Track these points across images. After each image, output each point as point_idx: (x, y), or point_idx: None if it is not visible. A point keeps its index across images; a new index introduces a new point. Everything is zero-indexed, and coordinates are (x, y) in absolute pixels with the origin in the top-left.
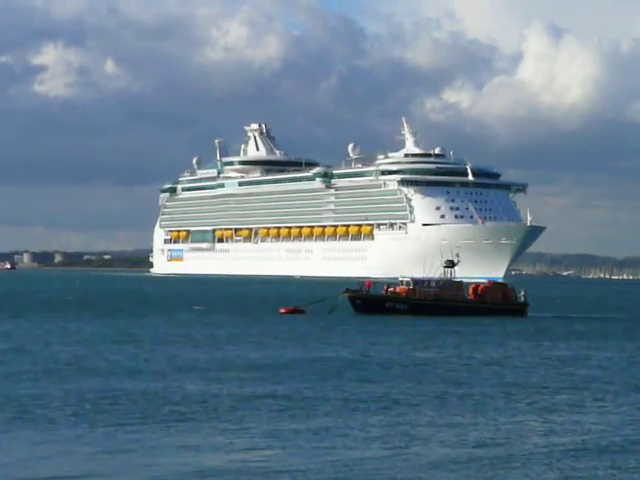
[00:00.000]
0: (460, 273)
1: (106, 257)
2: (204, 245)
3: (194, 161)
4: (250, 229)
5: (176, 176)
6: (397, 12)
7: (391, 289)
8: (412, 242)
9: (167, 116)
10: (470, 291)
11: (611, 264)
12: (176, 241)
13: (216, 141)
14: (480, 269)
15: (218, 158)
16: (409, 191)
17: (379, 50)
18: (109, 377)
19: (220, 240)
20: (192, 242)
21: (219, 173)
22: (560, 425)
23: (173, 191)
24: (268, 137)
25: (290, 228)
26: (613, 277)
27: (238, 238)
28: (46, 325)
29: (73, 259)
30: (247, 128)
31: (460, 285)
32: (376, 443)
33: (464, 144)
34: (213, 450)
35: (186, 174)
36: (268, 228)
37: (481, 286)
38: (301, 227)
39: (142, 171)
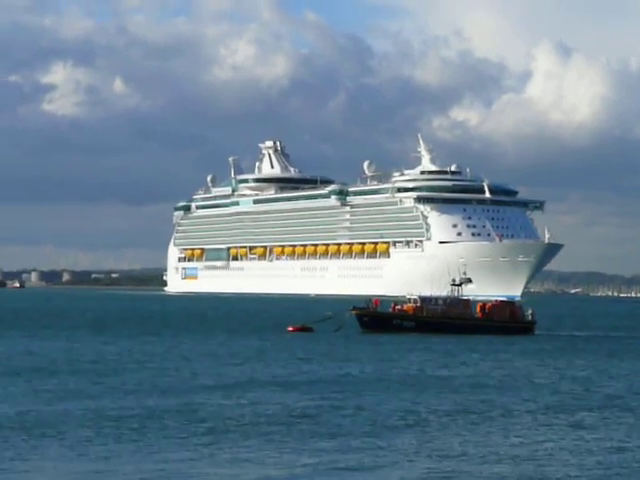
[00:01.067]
0: (477, 291)
1: (114, 276)
2: (218, 263)
3: (208, 179)
4: (265, 247)
5: (186, 195)
6: (405, 30)
7: (398, 307)
8: (428, 260)
9: (175, 135)
10: (478, 309)
11: (619, 282)
12: (190, 259)
13: (230, 159)
14: (497, 287)
15: (232, 176)
16: (425, 208)
17: (387, 68)
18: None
19: (235, 258)
20: (206, 260)
21: (234, 191)
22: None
23: (187, 209)
24: (283, 154)
25: (305, 246)
26: (621, 295)
27: (253, 256)
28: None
29: (81, 278)
30: (261, 145)
31: (468, 303)
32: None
33: (472, 162)
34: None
35: (200, 192)
36: (283, 246)
37: (489, 304)
38: (316, 245)
39: (150, 190)
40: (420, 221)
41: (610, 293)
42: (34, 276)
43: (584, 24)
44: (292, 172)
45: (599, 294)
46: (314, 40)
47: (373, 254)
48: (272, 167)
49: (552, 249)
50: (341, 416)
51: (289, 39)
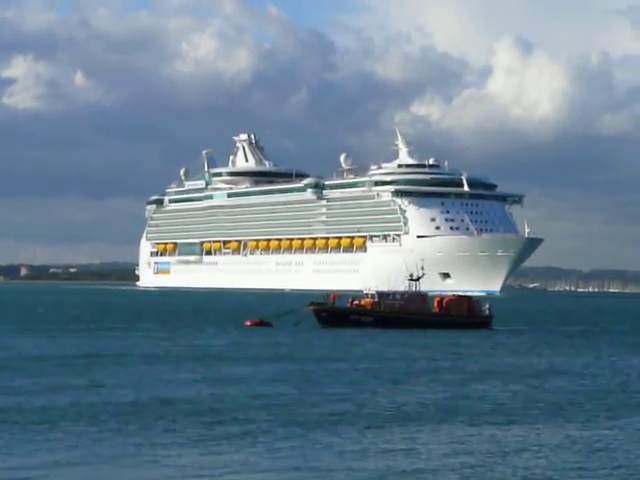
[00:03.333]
0: (455, 286)
1: (72, 270)
2: (191, 258)
3: (181, 172)
4: (239, 241)
5: (147, 188)
6: (367, 26)
7: (356, 302)
8: (406, 254)
9: (137, 128)
10: (435, 304)
11: (577, 277)
12: (163, 254)
13: (204, 152)
14: (476, 282)
15: (206, 169)
16: (403, 202)
17: (349, 64)
18: None
19: (208, 253)
20: (179, 255)
21: (207, 184)
22: None
23: (160, 203)
24: (257, 148)
25: (280, 240)
26: (579, 290)
27: (227, 250)
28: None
29: (39, 272)
30: (236, 139)
31: (425, 297)
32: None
33: (433, 157)
34: None
35: (173, 186)
36: (257, 240)
37: (446, 299)
38: (291, 239)
39: (112, 183)
40: (398, 215)
41: (568, 288)
42: None
43: (545, 19)
44: (267, 165)
45: (556, 289)
46: (277, 35)
47: (349, 248)
48: (247, 160)
49: (532, 243)
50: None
51: (252, 33)
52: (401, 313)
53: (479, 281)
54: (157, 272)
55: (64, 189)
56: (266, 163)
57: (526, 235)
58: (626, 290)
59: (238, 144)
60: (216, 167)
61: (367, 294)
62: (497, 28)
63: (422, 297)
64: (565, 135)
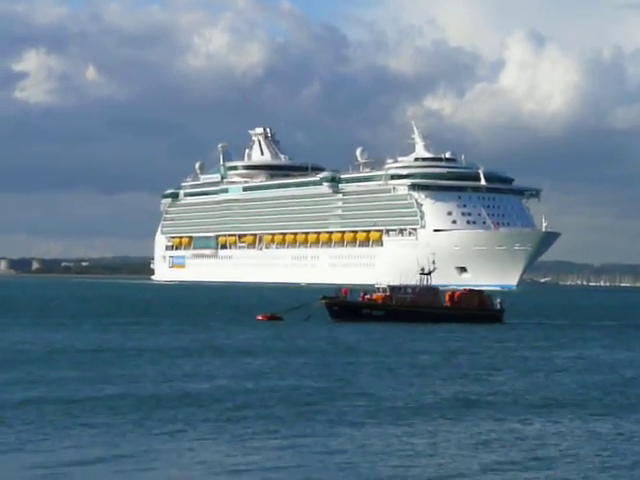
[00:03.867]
0: (472, 280)
1: (84, 264)
2: (207, 252)
3: (197, 166)
4: (254, 235)
5: (159, 183)
6: (379, 19)
7: (368, 296)
8: (422, 248)
9: (149, 123)
10: (447, 298)
11: (588, 271)
12: (178, 247)
13: (219, 146)
14: (493, 276)
15: (221, 163)
16: (419, 196)
17: (362, 57)
18: None
19: (223, 246)
20: (194, 249)
21: (223, 178)
22: None
23: (175, 197)
24: (273, 141)
25: (296, 234)
26: (590, 284)
27: (242, 244)
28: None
29: (51, 266)
30: (251, 132)
31: (436, 291)
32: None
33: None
34: None
35: (188, 179)
36: (273, 234)
37: (457, 293)
38: (307, 233)
39: (124, 178)
40: (414, 209)
41: (579, 282)
42: (3, 264)
43: (558, 13)
44: (282, 159)
45: (568, 283)
46: (289, 29)
47: (365, 242)
48: (262, 154)
49: (549, 238)
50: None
51: (264, 27)
52: (412, 307)
53: (496, 275)
54: (172, 266)
55: (76, 184)
56: (282, 157)
57: (543, 229)
58: (637, 284)
59: (254, 138)
60: (231, 161)
61: (379, 288)
62: (510, 22)
63: (434, 291)
64: (577, 129)
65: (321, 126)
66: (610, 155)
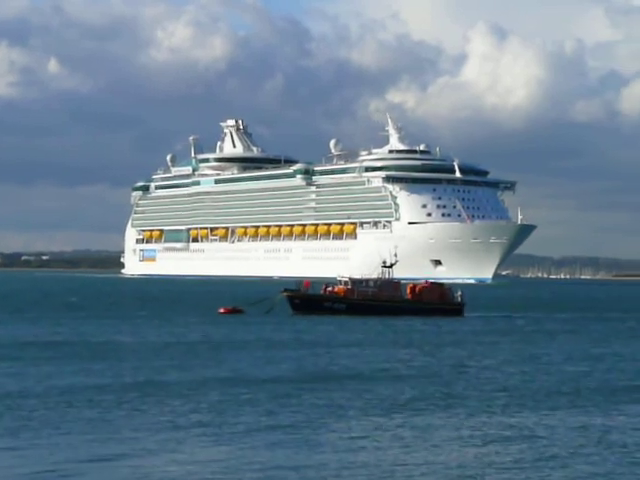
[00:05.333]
0: (447, 274)
1: (44, 258)
2: (178, 245)
3: (168, 158)
4: (227, 228)
5: (121, 176)
6: (342, 13)
7: (329, 289)
8: (397, 241)
9: (111, 116)
10: (408, 291)
11: (549, 263)
12: (149, 241)
13: (190, 138)
14: (468, 269)
15: (193, 155)
16: (394, 188)
17: (325, 51)
18: None
19: (195, 240)
20: (165, 242)
21: (194, 171)
22: None
23: (146, 189)
24: (245, 133)
25: (269, 227)
26: (551, 276)
27: (214, 238)
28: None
29: (11, 259)
30: (223, 124)
31: (398, 285)
32: None
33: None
34: None
35: (159, 172)
36: (245, 227)
37: (418, 286)
38: (280, 226)
39: (85, 171)
40: (389, 201)
41: (540, 275)
42: None
43: (519, 6)
44: (255, 151)
45: (529, 276)
46: (252, 22)
47: (339, 235)
48: (234, 146)
49: (525, 230)
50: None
51: (227, 21)
52: (374, 300)
53: (471, 268)
54: (143, 259)
55: (37, 176)
56: (254, 149)
57: (519, 222)
58: (597, 277)
59: (225, 130)
60: (203, 153)
61: (340, 281)
62: (472, 16)
63: (395, 284)
64: (538, 122)
65: (284, 119)
66: (571, 148)
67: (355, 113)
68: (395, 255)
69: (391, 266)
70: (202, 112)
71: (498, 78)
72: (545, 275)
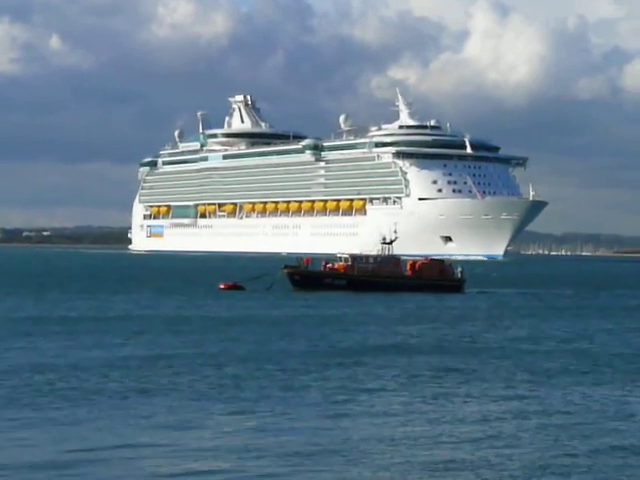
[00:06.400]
0: (458, 250)
1: (45, 234)
2: (186, 221)
3: (176, 134)
4: (234, 204)
5: (124, 152)
6: None
7: (329, 265)
8: (407, 217)
9: (113, 92)
10: (408, 267)
11: (550, 240)
12: (156, 217)
13: (198, 113)
14: (479, 246)
15: (201, 131)
16: (404, 164)
17: (327, 27)
18: None
19: (203, 216)
20: (173, 218)
21: (202, 146)
22: None
23: (153, 165)
24: (253, 109)
25: (277, 203)
26: (552, 253)
27: (222, 213)
28: None
29: (12, 235)
30: (231, 100)
31: (398, 261)
32: None
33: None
34: None
35: (167, 147)
36: (253, 203)
37: (418, 262)
38: (289, 202)
39: (87, 147)
40: (399, 177)
41: (541, 251)
42: None
43: None
44: (263, 127)
45: (530, 252)
46: None
47: (349, 211)
48: (242, 122)
49: (536, 206)
50: None
51: None
52: (374, 276)
53: (482, 245)
54: (150, 235)
55: (38, 153)
56: (262, 124)
57: (530, 198)
58: (597, 253)
59: (234, 105)
60: (211, 129)
61: (341, 257)
62: None
63: (395, 260)
64: (541, 99)
65: (286, 96)
66: (573, 125)
67: (357, 90)
68: (395, 232)
69: (391, 242)
70: (204, 88)
71: (500, 55)
72: (546, 252)
